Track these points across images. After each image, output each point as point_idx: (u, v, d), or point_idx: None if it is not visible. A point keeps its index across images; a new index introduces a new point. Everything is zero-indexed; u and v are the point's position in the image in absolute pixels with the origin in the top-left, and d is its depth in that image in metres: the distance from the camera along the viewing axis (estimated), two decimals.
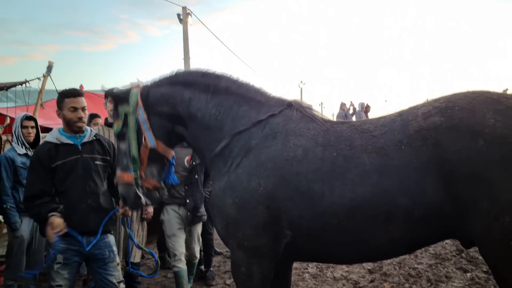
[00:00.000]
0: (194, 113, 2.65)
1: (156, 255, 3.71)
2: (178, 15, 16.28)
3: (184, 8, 16.35)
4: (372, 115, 15.31)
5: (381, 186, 2.12)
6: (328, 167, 2.25)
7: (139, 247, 3.61)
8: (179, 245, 4.29)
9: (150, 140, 2.64)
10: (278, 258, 2.46)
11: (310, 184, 2.25)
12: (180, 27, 16.54)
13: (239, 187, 2.40)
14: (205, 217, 4.54)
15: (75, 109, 3.10)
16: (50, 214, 2.85)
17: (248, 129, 2.50)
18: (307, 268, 5.31)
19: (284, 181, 2.31)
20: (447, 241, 6.04)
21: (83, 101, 3.16)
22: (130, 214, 3.29)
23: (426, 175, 2.06)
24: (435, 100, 2.26)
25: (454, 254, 5.60)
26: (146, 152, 2.65)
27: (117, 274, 3.19)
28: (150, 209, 4.45)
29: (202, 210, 4.47)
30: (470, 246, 2.32)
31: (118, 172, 2.77)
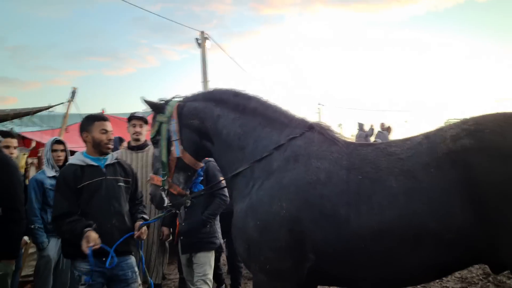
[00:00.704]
0: (220, 130, 2.74)
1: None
2: (196, 39, 16.54)
3: (202, 33, 16.62)
4: (393, 135, 15.23)
5: (410, 209, 2.09)
6: (354, 190, 2.23)
7: (144, 274, 3.60)
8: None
9: (176, 150, 2.77)
10: (302, 282, 2.41)
11: (335, 207, 2.23)
12: (198, 51, 16.87)
13: (261, 209, 2.39)
14: (212, 246, 4.09)
15: (106, 131, 3.26)
16: (86, 229, 2.93)
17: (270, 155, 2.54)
18: None
19: (307, 204, 2.30)
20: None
21: (110, 125, 3.34)
22: (145, 237, 3.33)
23: (456, 198, 2.04)
24: (463, 122, 2.25)
25: (481, 278, 5.43)
26: (174, 160, 2.79)
27: None
28: (166, 231, 4.47)
29: (204, 236, 4.03)
30: (500, 271, 2.28)
31: (151, 174, 2.93)
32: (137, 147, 4.33)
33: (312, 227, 2.27)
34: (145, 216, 3.40)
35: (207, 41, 16.80)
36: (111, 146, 3.33)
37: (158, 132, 2.89)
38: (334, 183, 2.28)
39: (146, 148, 4.40)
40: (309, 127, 2.60)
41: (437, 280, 5.42)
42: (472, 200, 2.01)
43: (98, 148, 3.27)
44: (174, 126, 2.80)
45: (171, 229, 4.49)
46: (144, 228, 3.27)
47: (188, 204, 3.01)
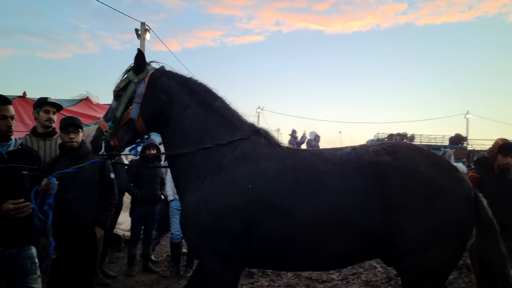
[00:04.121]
0: (184, 119, 2.93)
1: None
2: (136, 30, 16.10)
3: (142, 24, 16.22)
4: (326, 144, 15.88)
5: (341, 204, 2.57)
6: (298, 188, 2.63)
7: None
8: None
9: (134, 112, 2.91)
10: (246, 263, 2.81)
11: (282, 202, 2.61)
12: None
13: (214, 200, 2.67)
14: None
15: (4, 117, 3.02)
16: None
17: (216, 149, 2.81)
18: None
19: (257, 197, 2.63)
20: (378, 268, 6.27)
21: (12, 109, 3.08)
22: (51, 192, 3.10)
23: (372, 198, 2.55)
24: (383, 143, 2.85)
25: (384, 281, 5.80)
26: (126, 119, 2.93)
27: (37, 287, 3.08)
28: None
29: None
30: (391, 265, 2.83)
31: (101, 119, 3.07)
32: (45, 134, 4.07)
33: (260, 218, 2.61)
34: None
35: (147, 33, 16.40)
36: (10, 134, 3.08)
37: (123, 88, 2.97)
38: (281, 181, 2.66)
39: (55, 136, 4.14)
40: (255, 131, 2.95)
41: (344, 283, 5.75)
42: (382, 202, 2.54)
43: None
44: (141, 90, 2.91)
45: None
46: (49, 181, 3.07)
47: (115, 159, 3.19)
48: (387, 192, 2.55)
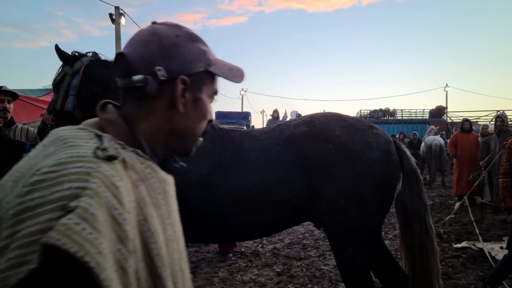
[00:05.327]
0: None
1: None
2: (110, 14, 15.72)
3: (117, 8, 15.85)
4: None
5: (263, 176, 2.70)
6: (224, 164, 2.76)
7: None
8: None
9: (69, 104, 2.96)
10: (188, 237, 2.76)
11: (210, 178, 2.73)
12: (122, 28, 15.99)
13: None
14: None
15: None
16: None
17: None
18: (217, 273, 5.35)
19: (188, 175, 2.69)
20: None
21: None
22: None
23: (294, 168, 2.69)
24: (303, 117, 3.01)
25: None
26: (64, 111, 2.98)
27: None
28: None
29: None
30: (320, 226, 2.92)
31: (45, 112, 3.19)
32: (3, 124, 3.96)
33: (191, 194, 2.71)
34: None
35: (122, 17, 16.03)
36: None
37: (60, 81, 3.01)
38: (210, 158, 2.79)
39: (13, 126, 4.04)
40: None
41: (321, 258, 5.81)
42: (304, 170, 2.69)
43: None
44: (75, 82, 2.95)
45: None
46: None
47: None
48: (307, 161, 2.68)
